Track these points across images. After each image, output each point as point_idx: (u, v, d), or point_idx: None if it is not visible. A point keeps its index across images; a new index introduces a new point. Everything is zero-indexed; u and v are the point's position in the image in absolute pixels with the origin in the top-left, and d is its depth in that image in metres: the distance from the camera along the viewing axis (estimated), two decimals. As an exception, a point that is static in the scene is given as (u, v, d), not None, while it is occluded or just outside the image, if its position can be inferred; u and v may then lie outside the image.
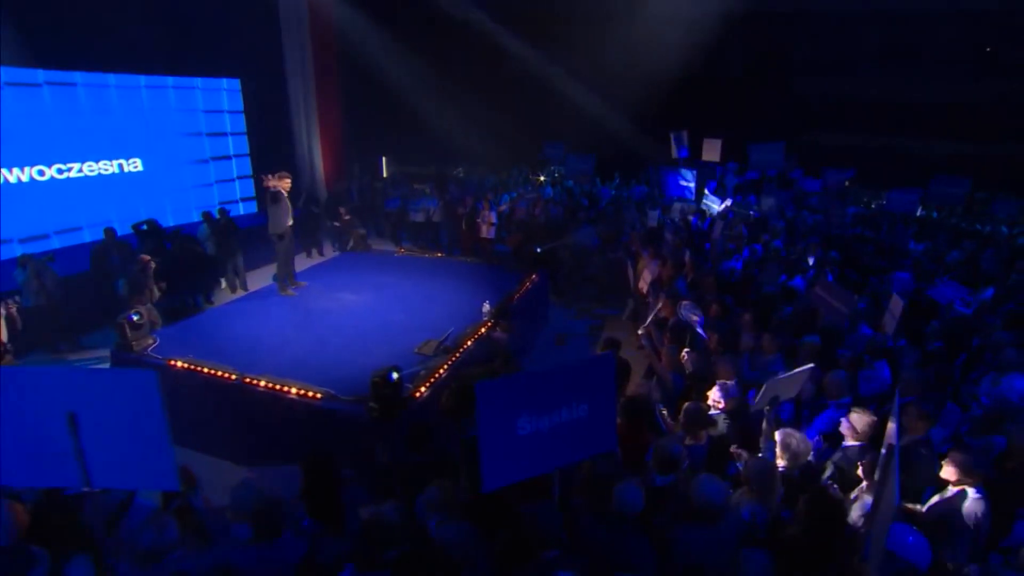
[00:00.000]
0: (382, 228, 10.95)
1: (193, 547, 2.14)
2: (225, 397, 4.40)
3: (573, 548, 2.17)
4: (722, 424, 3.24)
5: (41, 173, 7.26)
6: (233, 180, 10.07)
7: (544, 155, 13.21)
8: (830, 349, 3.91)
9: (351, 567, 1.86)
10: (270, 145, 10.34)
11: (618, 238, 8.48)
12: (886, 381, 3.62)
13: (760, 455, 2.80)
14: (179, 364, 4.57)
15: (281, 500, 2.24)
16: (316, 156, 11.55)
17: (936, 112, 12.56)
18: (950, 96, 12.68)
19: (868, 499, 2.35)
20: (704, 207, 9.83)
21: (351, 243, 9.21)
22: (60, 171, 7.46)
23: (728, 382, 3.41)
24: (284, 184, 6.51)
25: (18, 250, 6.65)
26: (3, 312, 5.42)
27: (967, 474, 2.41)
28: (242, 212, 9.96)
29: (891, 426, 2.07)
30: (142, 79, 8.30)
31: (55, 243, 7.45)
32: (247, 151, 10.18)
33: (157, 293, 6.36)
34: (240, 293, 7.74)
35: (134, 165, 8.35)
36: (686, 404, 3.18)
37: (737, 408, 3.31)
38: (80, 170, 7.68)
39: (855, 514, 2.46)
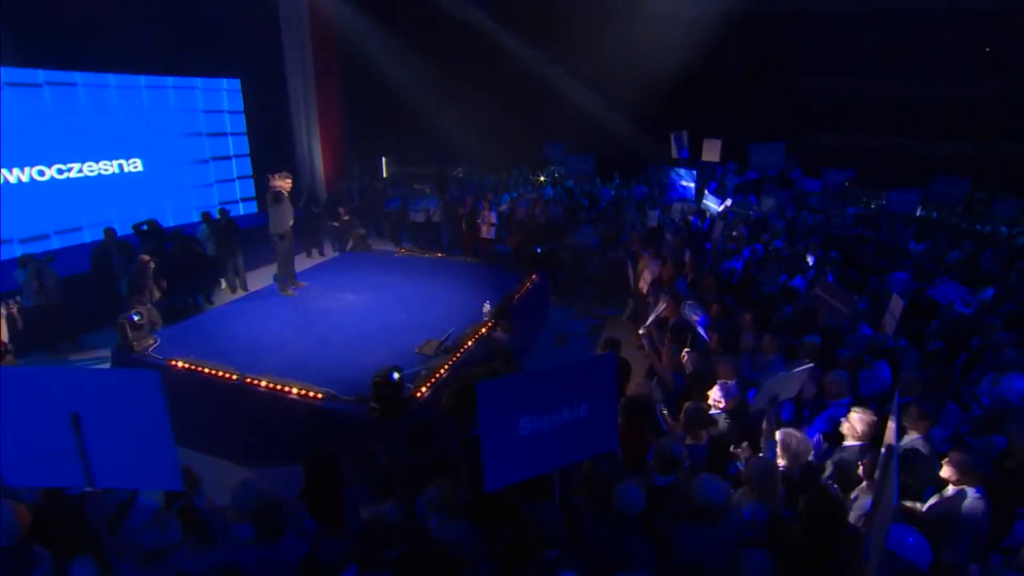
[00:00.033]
0: (382, 228, 10.95)
1: (195, 547, 2.14)
2: (226, 397, 4.40)
3: (573, 548, 2.17)
4: (722, 424, 3.25)
5: (41, 173, 7.26)
6: (233, 180, 10.06)
7: (544, 155, 13.21)
8: (830, 349, 3.91)
9: (354, 567, 1.86)
10: (270, 145, 10.34)
11: (618, 238, 8.48)
12: (886, 381, 3.63)
13: (761, 455, 2.81)
14: (180, 364, 4.58)
15: (282, 500, 2.24)
16: (316, 156, 11.55)
17: (936, 112, 12.57)
18: (950, 96, 12.68)
19: (868, 499, 2.35)
20: (704, 207, 9.84)
21: (350, 243, 9.21)
22: (60, 171, 7.46)
23: (728, 382, 3.41)
24: (285, 184, 6.52)
25: (18, 250, 6.65)
26: (3, 312, 5.42)
27: (967, 474, 2.41)
28: (242, 212, 9.96)
29: (891, 426, 2.08)
30: (142, 79, 8.30)
31: (55, 243, 7.45)
32: (247, 151, 10.18)
33: (157, 293, 6.36)
34: (240, 293, 7.75)
35: (134, 165, 8.35)
36: (686, 404, 3.18)
37: (737, 408, 3.32)
38: (80, 170, 7.68)
39: (855, 514, 2.47)
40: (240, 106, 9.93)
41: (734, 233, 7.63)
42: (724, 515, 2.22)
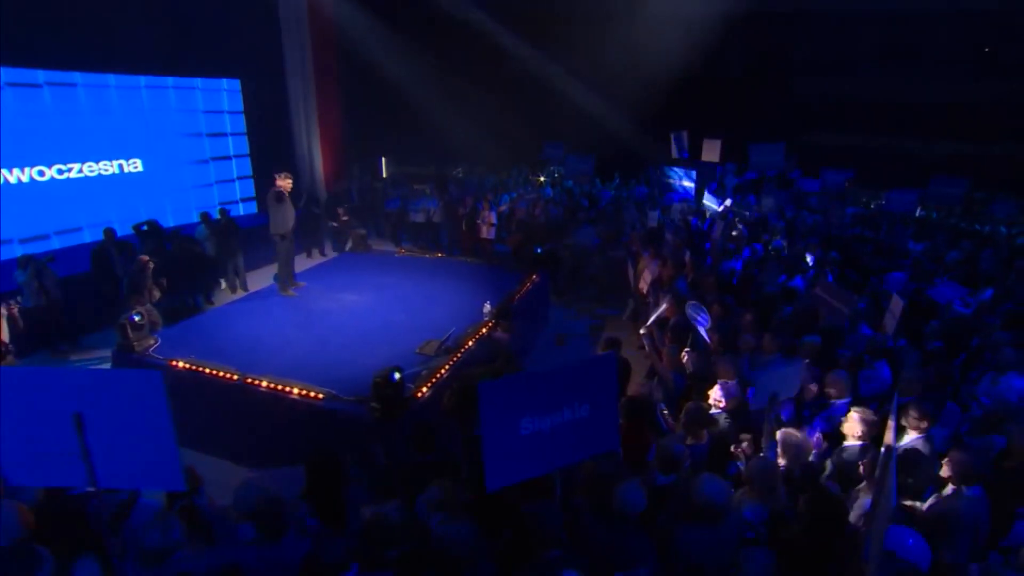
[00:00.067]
0: (382, 228, 10.95)
1: (197, 547, 2.14)
2: (227, 397, 4.40)
3: (574, 548, 2.17)
4: (723, 423, 3.25)
5: (41, 174, 7.27)
6: (233, 181, 10.07)
7: (544, 155, 13.22)
8: (830, 349, 3.92)
9: (356, 567, 1.87)
10: (270, 145, 10.34)
11: (618, 238, 8.49)
12: (886, 381, 3.64)
13: (761, 454, 2.81)
14: (181, 364, 4.58)
15: (284, 500, 2.24)
16: (316, 156, 11.55)
17: (936, 112, 12.57)
18: (950, 96, 12.69)
19: (868, 499, 2.36)
20: (704, 207, 9.85)
21: (350, 244, 9.21)
22: (60, 171, 7.46)
23: (729, 381, 3.42)
24: (287, 184, 6.53)
25: (18, 251, 6.65)
26: (4, 312, 5.42)
27: (967, 473, 2.42)
28: (242, 212, 9.96)
29: (890, 426, 2.08)
30: (142, 79, 8.30)
31: (55, 244, 7.45)
32: (247, 151, 10.18)
33: (157, 294, 6.36)
34: (240, 293, 7.75)
35: (134, 165, 8.35)
36: (687, 404, 3.19)
37: (738, 407, 3.32)
38: (80, 170, 7.68)
39: (855, 514, 2.48)
40: (240, 106, 9.93)
41: (734, 233, 7.64)
42: (725, 515, 2.22)
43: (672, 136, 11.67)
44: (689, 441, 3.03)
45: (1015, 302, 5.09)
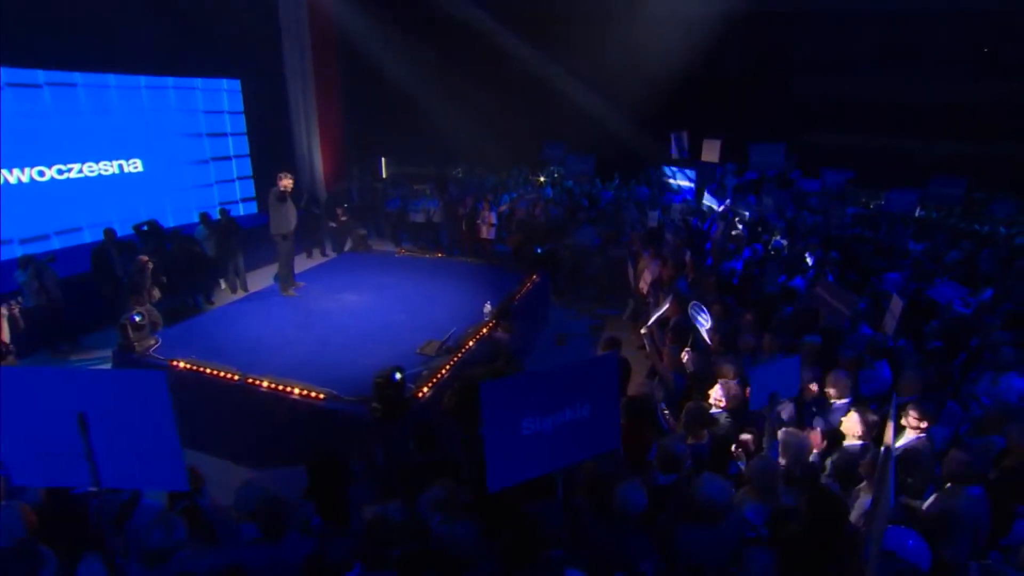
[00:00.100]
0: (382, 229, 10.96)
1: (199, 547, 2.15)
2: (227, 398, 4.41)
3: (575, 548, 2.18)
4: (724, 423, 3.26)
5: (41, 174, 7.27)
6: (233, 181, 10.07)
7: (544, 155, 13.23)
8: (831, 349, 3.92)
9: (359, 566, 1.87)
10: (270, 145, 10.35)
11: (618, 238, 8.49)
12: (886, 381, 3.64)
13: (762, 454, 2.82)
14: (181, 365, 4.58)
15: (286, 500, 2.25)
16: (316, 156, 11.55)
17: (936, 112, 12.58)
18: (950, 96, 12.70)
19: (868, 498, 2.36)
20: (704, 208, 9.85)
21: (350, 244, 9.21)
22: (60, 172, 7.46)
23: (730, 381, 3.43)
24: (289, 184, 6.53)
25: (18, 251, 6.66)
26: (5, 313, 5.43)
27: (967, 473, 2.42)
28: (242, 212, 9.97)
29: (889, 426, 2.09)
30: (142, 79, 8.30)
31: (55, 244, 7.45)
32: (247, 152, 10.19)
33: (157, 294, 6.36)
34: (240, 294, 7.75)
35: (134, 166, 8.35)
36: (688, 404, 3.19)
37: (739, 407, 3.33)
38: (80, 171, 7.68)
39: (855, 513, 2.48)
40: (240, 106, 9.94)
41: (733, 233, 7.64)
42: (726, 515, 2.23)
43: (672, 136, 11.68)
44: (690, 441, 3.03)
45: (1014, 302, 5.10)
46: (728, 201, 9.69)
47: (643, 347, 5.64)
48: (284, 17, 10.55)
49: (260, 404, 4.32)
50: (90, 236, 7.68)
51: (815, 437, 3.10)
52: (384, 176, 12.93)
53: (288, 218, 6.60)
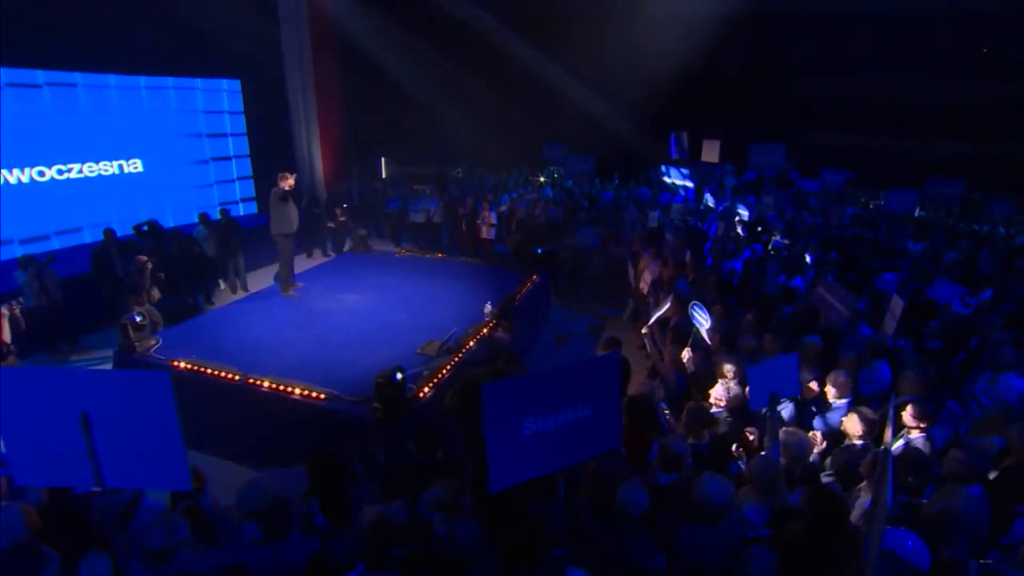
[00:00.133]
0: (382, 229, 10.96)
1: (201, 547, 2.15)
2: (228, 398, 4.41)
3: (577, 547, 2.18)
4: (724, 423, 3.27)
5: (41, 174, 7.26)
6: (233, 181, 10.07)
7: (544, 155, 13.24)
8: (831, 349, 3.93)
9: (362, 566, 1.88)
10: (270, 146, 10.35)
11: (618, 238, 8.50)
12: (886, 381, 3.65)
13: (763, 453, 2.82)
14: (182, 365, 4.58)
15: (288, 499, 2.25)
16: (316, 156, 11.55)
17: (935, 112, 12.60)
18: (949, 96, 12.72)
19: (868, 498, 2.37)
20: (704, 208, 9.86)
21: (349, 244, 9.21)
22: (60, 172, 7.46)
23: (730, 381, 3.43)
24: (290, 183, 6.52)
25: (18, 251, 6.65)
26: (6, 313, 5.43)
27: (966, 472, 2.43)
28: (242, 212, 9.97)
29: (888, 426, 2.10)
30: (142, 80, 8.30)
31: (55, 244, 7.45)
32: (247, 152, 10.18)
33: (156, 294, 6.36)
34: (241, 294, 7.75)
35: (134, 166, 8.35)
36: (689, 403, 3.20)
37: (739, 407, 3.34)
38: (80, 171, 7.68)
39: (856, 513, 2.49)
40: (240, 107, 9.93)
41: (732, 234, 7.65)
42: (727, 514, 2.23)
43: (672, 136, 11.68)
44: (690, 440, 3.04)
45: (1014, 302, 5.11)
46: (729, 203, 9.70)
47: (643, 347, 5.65)
48: (284, 17, 10.54)
49: (261, 404, 4.32)
50: (90, 236, 7.68)
51: (815, 437, 3.11)
52: (384, 176, 12.92)
53: (290, 218, 6.59)
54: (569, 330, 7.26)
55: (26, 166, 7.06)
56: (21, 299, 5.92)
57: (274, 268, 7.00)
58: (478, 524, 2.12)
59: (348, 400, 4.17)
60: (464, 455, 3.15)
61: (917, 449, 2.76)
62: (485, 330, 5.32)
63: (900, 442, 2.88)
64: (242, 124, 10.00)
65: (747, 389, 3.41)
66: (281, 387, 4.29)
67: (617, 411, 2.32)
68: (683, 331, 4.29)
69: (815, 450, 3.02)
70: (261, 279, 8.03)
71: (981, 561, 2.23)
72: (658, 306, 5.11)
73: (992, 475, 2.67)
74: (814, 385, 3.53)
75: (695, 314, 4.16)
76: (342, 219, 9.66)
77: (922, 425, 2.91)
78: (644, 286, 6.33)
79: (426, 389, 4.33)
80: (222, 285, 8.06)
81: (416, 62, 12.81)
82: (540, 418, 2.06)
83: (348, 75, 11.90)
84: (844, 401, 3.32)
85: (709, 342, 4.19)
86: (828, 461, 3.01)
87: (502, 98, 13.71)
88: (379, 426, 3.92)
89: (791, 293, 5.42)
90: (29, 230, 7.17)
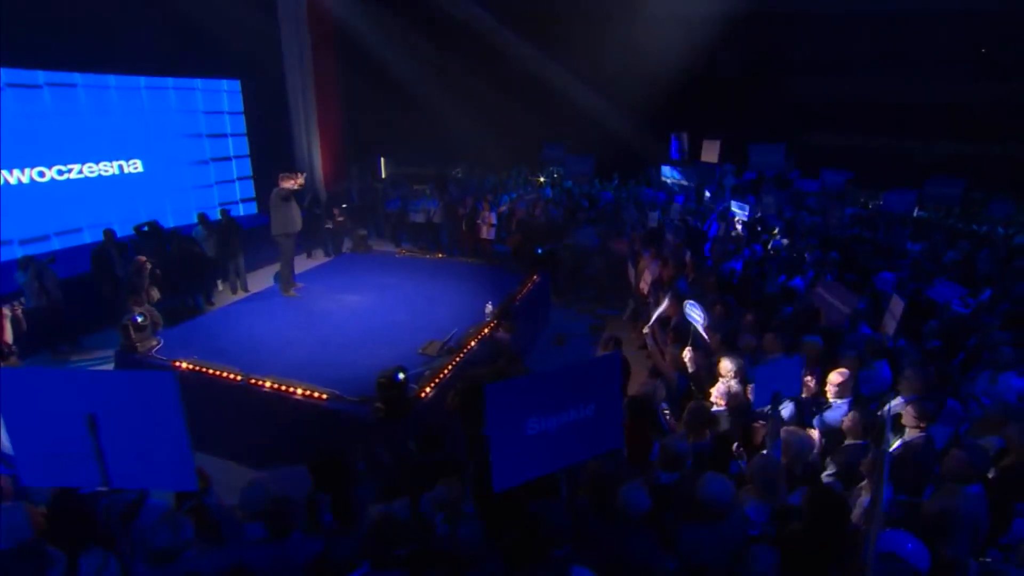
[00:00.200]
0: (382, 229, 10.96)
1: (206, 547, 2.16)
2: (230, 398, 4.42)
3: (579, 547, 2.19)
4: (725, 422, 3.28)
5: (41, 174, 7.27)
6: (233, 181, 10.07)
7: (544, 156, 13.23)
8: (832, 349, 3.94)
9: (366, 565, 1.89)
10: (270, 146, 10.35)
11: (618, 238, 8.50)
12: (886, 381, 3.66)
13: (764, 452, 2.83)
14: (183, 365, 4.59)
15: (292, 499, 2.26)
16: (316, 157, 11.56)
17: (935, 112, 12.62)
18: (949, 96, 12.73)
19: (868, 497, 2.38)
20: (704, 208, 9.87)
21: (349, 244, 9.21)
22: (60, 172, 7.46)
23: (731, 380, 3.44)
24: (295, 183, 6.51)
25: (18, 251, 6.66)
26: (8, 313, 5.43)
27: (966, 472, 2.44)
28: (242, 213, 9.97)
29: (887, 427, 2.11)
30: (142, 80, 8.30)
31: (55, 244, 7.45)
32: (247, 152, 10.19)
33: (156, 295, 6.36)
34: (241, 294, 7.76)
35: (134, 166, 8.35)
36: (690, 403, 3.21)
37: (740, 406, 3.35)
38: (80, 171, 7.68)
39: (856, 512, 2.50)
40: (240, 107, 9.94)
41: (733, 233, 7.66)
42: (728, 514, 2.24)
43: (672, 137, 11.69)
44: (691, 440, 3.05)
45: (1013, 302, 5.13)
46: (729, 203, 9.71)
47: (644, 347, 5.66)
48: (284, 17, 10.55)
49: (263, 405, 4.33)
50: (90, 237, 7.68)
51: (814, 436, 3.12)
52: (384, 176, 12.93)
53: (293, 218, 6.59)
54: (569, 330, 7.27)
55: (26, 167, 7.06)
56: (22, 299, 5.92)
57: (274, 268, 7.01)
58: (481, 523, 2.13)
59: (350, 400, 4.18)
60: (465, 455, 3.17)
61: (916, 448, 2.77)
62: (486, 330, 5.33)
63: (906, 439, 2.89)
64: (242, 124, 10.01)
65: (749, 388, 3.43)
66: (283, 387, 4.30)
67: (619, 411, 2.33)
68: (683, 331, 4.31)
69: (814, 450, 3.03)
70: (261, 279, 8.03)
71: (981, 560, 2.24)
72: (658, 306, 5.13)
73: (991, 474, 2.68)
74: (813, 382, 3.54)
75: (689, 311, 4.17)
76: (340, 219, 9.66)
77: (922, 425, 2.93)
78: (644, 286, 6.35)
79: (428, 389, 4.34)
80: (220, 286, 8.06)
81: (416, 62, 12.80)
82: (543, 418, 2.07)
83: (348, 75, 11.90)
84: (844, 401, 3.33)
85: (707, 339, 4.21)
86: (828, 460, 3.03)
87: (502, 98, 13.72)
88: (381, 426, 3.93)
89: (791, 293, 5.43)
90: (29, 231, 7.17)
